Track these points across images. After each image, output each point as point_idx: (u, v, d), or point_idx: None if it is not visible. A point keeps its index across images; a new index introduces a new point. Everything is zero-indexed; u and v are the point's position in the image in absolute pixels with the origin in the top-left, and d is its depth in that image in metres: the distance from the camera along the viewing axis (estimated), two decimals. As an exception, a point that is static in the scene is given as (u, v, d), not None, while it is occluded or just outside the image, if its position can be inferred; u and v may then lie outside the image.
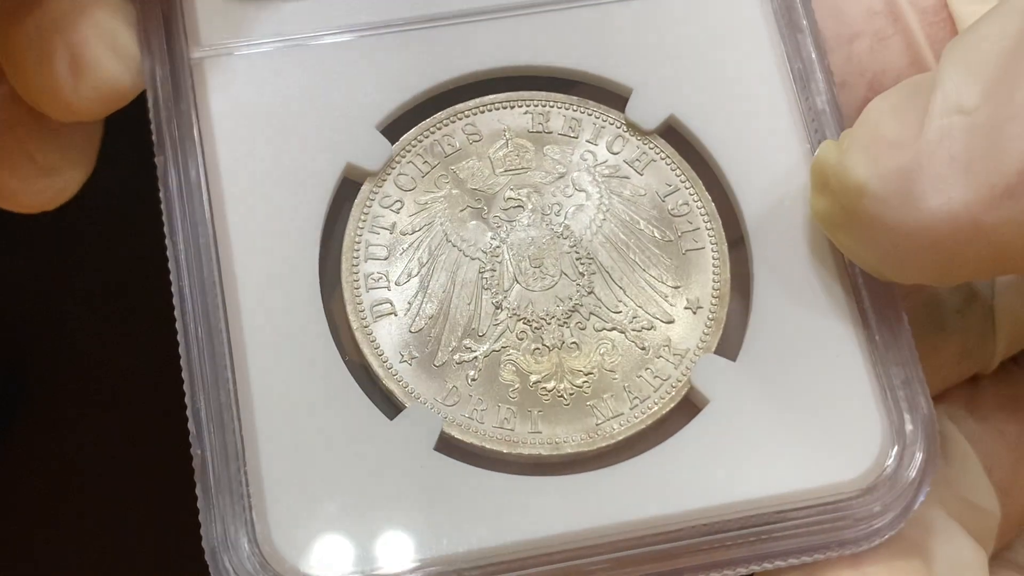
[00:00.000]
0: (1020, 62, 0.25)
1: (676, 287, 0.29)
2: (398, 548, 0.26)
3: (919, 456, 0.27)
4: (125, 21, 0.29)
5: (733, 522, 0.27)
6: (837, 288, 0.28)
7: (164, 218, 0.28)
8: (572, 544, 0.26)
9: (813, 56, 0.30)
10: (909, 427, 0.28)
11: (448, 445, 0.27)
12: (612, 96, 0.30)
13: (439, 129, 0.29)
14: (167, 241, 0.28)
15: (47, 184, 0.30)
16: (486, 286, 0.28)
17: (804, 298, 0.28)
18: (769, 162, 0.29)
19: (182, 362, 0.27)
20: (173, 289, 0.27)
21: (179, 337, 0.27)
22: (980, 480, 0.30)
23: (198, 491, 0.26)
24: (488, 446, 0.27)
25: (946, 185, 0.26)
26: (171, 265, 0.28)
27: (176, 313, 0.27)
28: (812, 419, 0.28)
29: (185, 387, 0.27)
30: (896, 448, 0.27)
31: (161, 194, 0.28)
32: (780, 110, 0.29)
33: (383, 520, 0.26)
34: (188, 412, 0.27)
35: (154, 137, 0.28)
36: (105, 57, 0.28)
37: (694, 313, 0.28)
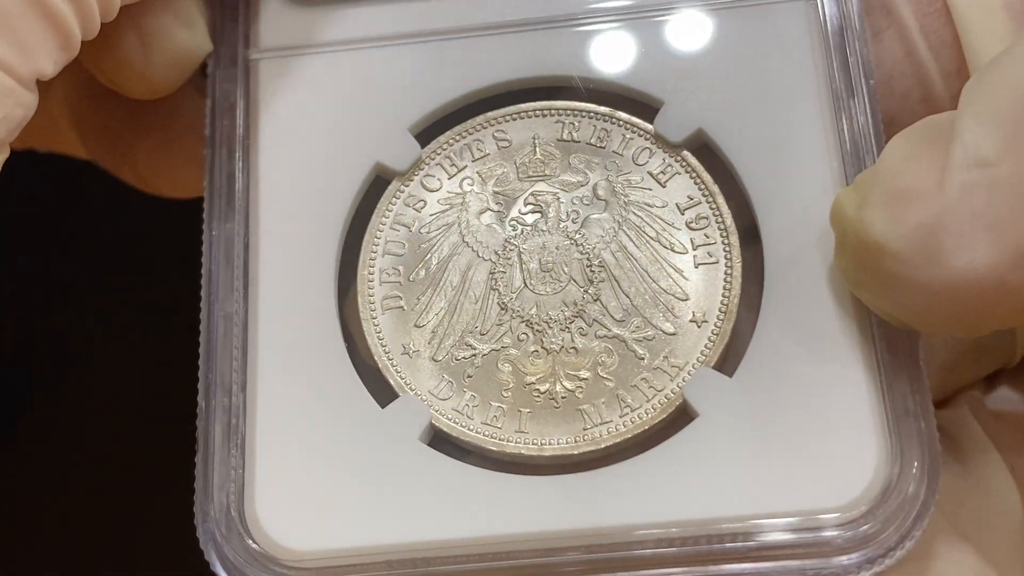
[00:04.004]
0: None
1: (684, 299, 0.28)
2: (370, 531, 0.27)
3: (917, 491, 0.26)
4: None
5: (703, 537, 0.26)
6: (849, 312, 0.27)
7: (205, 206, 0.30)
8: (539, 544, 0.27)
9: (860, 78, 0.29)
10: (908, 461, 0.26)
11: (435, 437, 0.28)
12: (644, 108, 0.30)
13: (470, 134, 0.30)
14: (203, 227, 0.30)
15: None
16: (495, 287, 0.29)
17: (813, 320, 0.28)
18: (795, 181, 0.29)
19: (200, 335, 0.29)
20: (203, 270, 0.29)
21: (201, 313, 0.29)
22: (1002, 479, 0.29)
23: (197, 459, 0.28)
24: (473, 441, 0.28)
25: (970, 244, 0.25)
26: (204, 248, 0.29)
27: (202, 291, 0.29)
28: (803, 442, 0.27)
29: (200, 360, 0.29)
30: (891, 481, 0.26)
31: (205, 184, 0.30)
32: (814, 129, 0.29)
33: (358, 502, 0.27)
34: (199, 384, 0.29)
35: (207, 131, 0.30)
36: (171, 25, 0.30)
37: (699, 326, 0.28)
